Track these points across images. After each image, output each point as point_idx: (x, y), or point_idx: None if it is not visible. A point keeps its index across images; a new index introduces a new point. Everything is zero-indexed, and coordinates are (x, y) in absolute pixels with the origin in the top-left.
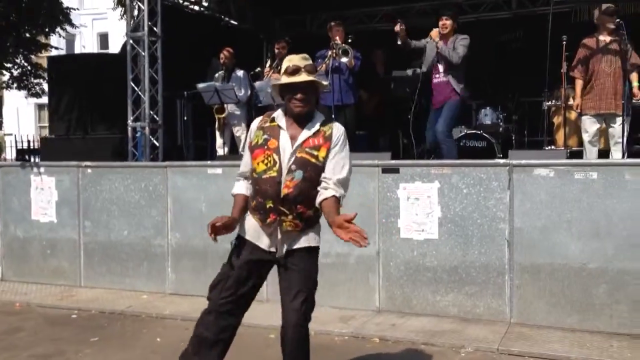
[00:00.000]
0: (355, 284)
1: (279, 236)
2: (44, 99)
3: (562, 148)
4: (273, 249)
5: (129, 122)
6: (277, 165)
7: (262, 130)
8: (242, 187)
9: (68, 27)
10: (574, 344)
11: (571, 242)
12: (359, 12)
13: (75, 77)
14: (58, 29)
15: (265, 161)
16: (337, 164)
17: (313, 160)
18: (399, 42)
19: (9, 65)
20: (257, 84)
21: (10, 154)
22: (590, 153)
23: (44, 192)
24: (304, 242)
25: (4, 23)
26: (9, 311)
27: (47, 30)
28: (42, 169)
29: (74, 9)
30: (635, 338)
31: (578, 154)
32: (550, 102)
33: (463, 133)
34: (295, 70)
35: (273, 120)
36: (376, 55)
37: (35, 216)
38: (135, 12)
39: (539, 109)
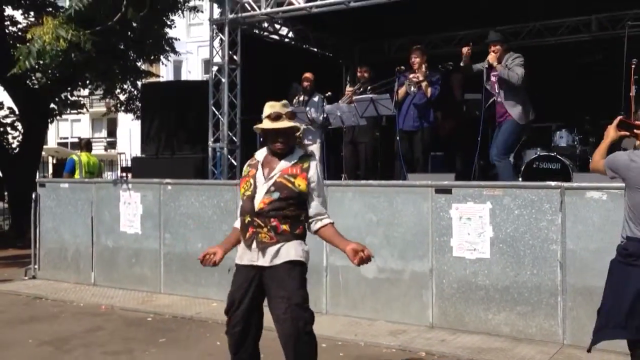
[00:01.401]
0: (409, 300)
1: (256, 247)
2: None
3: None
4: (254, 262)
5: (210, 143)
6: (252, 187)
7: (249, 166)
8: (237, 222)
9: (173, 55)
10: None
11: None
12: (435, 36)
13: (164, 102)
14: (162, 58)
15: (245, 186)
16: (319, 199)
17: (289, 185)
18: (462, 64)
19: (117, 91)
20: (327, 107)
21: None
22: None
23: (131, 206)
24: (284, 256)
25: (113, 52)
26: (95, 312)
27: (152, 58)
28: (129, 185)
29: (176, 39)
30: None
31: None
32: None
33: (537, 155)
34: (277, 117)
35: (254, 157)
36: (454, 79)
37: (123, 228)
38: (217, 43)
39: None
